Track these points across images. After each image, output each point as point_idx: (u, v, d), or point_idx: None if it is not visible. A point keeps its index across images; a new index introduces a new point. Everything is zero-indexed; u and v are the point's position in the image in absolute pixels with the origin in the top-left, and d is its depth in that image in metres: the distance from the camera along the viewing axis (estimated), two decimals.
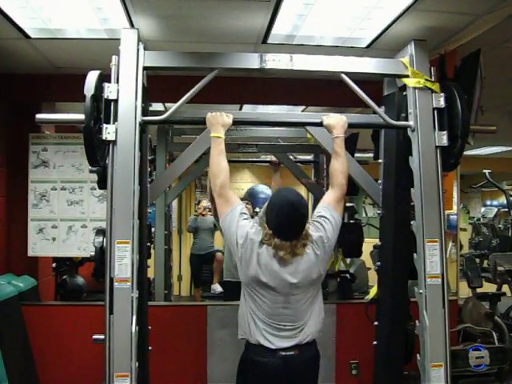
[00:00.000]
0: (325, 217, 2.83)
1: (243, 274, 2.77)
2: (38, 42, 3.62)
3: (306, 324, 2.78)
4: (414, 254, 2.94)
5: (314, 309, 2.82)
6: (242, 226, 2.74)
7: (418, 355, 2.89)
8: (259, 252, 2.70)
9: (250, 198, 5.77)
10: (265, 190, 5.79)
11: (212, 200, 5.00)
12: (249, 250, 2.71)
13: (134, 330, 2.60)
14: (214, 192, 2.83)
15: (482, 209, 13.86)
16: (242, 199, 4.99)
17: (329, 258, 2.87)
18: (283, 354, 2.73)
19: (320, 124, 3.00)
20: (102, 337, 2.66)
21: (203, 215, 8.34)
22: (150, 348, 3.10)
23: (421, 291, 2.83)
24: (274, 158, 5.31)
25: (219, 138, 2.83)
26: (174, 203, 8.40)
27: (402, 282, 3.30)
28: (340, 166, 2.90)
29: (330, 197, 2.90)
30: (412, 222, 3.01)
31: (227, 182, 2.80)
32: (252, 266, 2.70)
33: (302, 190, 9.10)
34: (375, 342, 3.39)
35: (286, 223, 2.68)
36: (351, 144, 4.33)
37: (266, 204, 2.89)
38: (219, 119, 2.85)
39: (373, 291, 3.59)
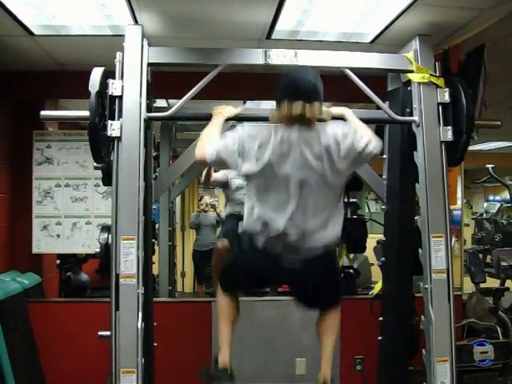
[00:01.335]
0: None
1: (252, 167, 2.53)
2: (41, 39, 3.61)
3: (317, 232, 2.54)
4: (419, 249, 2.94)
5: (330, 217, 2.57)
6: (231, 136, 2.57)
7: (423, 350, 2.89)
8: (264, 141, 2.52)
9: None
10: None
11: (206, 179, 5.13)
12: (247, 147, 2.52)
13: (139, 326, 2.60)
14: (198, 152, 2.65)
15: (485, 204, 13.86)
16: None
17: (347, 166, 2.54)
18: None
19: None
20: (108, 333, 2.67)
21: (205, 211, 8.35)
22: (155, 344, 3.11)
23: (426, 286, 2.84)
24: None
25: (220, 114, 2.82)
26: (177, 200, 8.41)
27: (407, 277, 3.31)
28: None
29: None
30: (417, 217, 3.01)
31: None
32: (266, 154, 2.50)
33: None
34: (380, 338, 3.40)
35: (297, 84, 2.51)
36: None
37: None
38: (223, 109, 2.86)
39: (377, 287, 3.60)
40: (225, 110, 2.87)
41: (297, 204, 2.51)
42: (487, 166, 7.27)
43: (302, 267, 2.56)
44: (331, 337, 2.76)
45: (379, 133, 3.62)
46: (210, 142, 2.62)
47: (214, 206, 8.36)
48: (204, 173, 5.20)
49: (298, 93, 2.50)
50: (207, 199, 8.45)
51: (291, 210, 2.51)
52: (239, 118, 2.96)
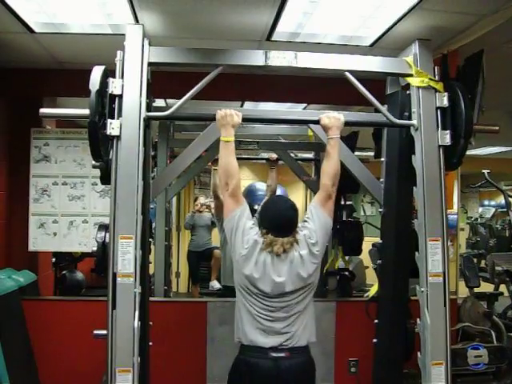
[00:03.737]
0: (311, 214, 2.88)
1: (239, 272, 2.80)
2: (42, 37, 3.61)
3: (296, 330, 2.79)
4: (416, 253, 2.95)
5: (305, 315, 2.83)
6: (249, 229, 2.80)
7: (418, 353, 2.90)
8: (259, 253, 2.77)
9: (249, 194, 5.75)
10: (263, 188, 5.78)
11: (216, 198, 4.98)
12: (251, 250, 2.76)
13: (136, 325, 2.60)
14: (225, 191, 2.82)
15: (480, 209, 13.91)
16: None
17: (318, 260, 2.82)
18: (274, 355, 2.74)
19: (317, 122, 3.00)
20: (103, 332, 2.66)
21: (200, 212, 8.34)
22: (150, 343, 3.11)
23: (422, 289, 2.85)
24: (272, 155, 5.33)
25: (230, 140, 2.82)
26: (173, 200, 8.40)
27: (403, 280, 3.32)
28: (328, 168, 2.89)
29: (317, 197, 2.93)
30: (414, 221, 3.02)
31: (240, 182, 2.83)
32: (250, 265, 2.75)
33: (301, 187, 9.15)
34: (375, 340, 3.40)
35: (278, 221, 2.80)
36: (351, 143, 4.34)
37: (260, 209, 3.00)
38: (229, 119, 2.82)
39: (373, 289, 3.60)
40: (230, 128, 2.83)
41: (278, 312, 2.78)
42: (483, 170, 7.28)
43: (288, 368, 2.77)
44: None
45: (377, 135, 3.64)
46: (241, 195, 2.87)
47: (209, 207, 8.34)
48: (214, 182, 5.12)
49: (282, 230, 2.79)
50: (202, 200, 8.45)
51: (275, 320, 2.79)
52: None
